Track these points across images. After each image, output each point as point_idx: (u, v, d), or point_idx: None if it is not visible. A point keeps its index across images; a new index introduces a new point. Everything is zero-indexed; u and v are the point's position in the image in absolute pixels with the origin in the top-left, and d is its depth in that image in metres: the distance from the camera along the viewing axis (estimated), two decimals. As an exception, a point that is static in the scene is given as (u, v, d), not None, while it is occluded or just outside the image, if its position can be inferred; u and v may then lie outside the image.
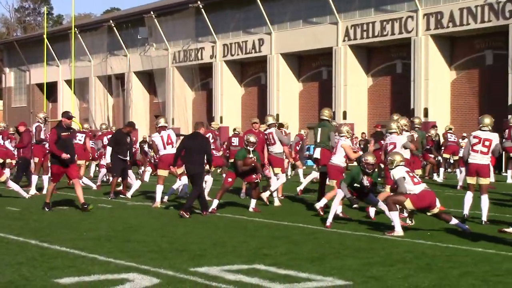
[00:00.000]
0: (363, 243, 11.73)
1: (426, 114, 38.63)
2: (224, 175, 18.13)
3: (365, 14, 41.94)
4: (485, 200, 14.39)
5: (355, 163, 16.48)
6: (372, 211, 15.06)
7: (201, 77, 52.97)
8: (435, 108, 38.59)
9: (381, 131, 31.87)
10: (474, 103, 38.52)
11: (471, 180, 14.72)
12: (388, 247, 11.35)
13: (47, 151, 20.91)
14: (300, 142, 28.60)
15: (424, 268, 9.56)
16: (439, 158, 27.59)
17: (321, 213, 15.49)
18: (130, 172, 21.64)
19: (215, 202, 16.66)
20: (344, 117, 41.99)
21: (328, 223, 13.89)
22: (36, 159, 21.50)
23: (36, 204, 18.09)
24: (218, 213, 16.30)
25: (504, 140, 26.99)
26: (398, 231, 12.68)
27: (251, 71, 51.51)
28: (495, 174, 28.32)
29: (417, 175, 14.91)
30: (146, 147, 27.87)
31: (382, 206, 14.18)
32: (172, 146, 18.16)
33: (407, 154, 15.30)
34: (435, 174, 27.98)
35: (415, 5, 38.93)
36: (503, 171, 30.50)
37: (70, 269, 9.48)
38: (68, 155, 16.49)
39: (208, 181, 19.72)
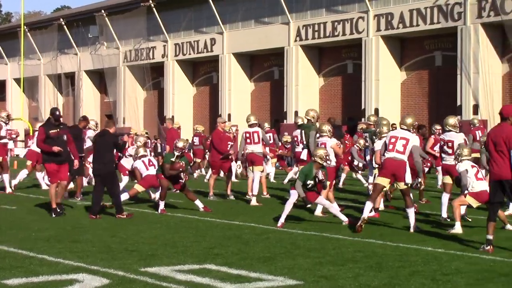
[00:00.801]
0: (314, 243, 11.77)
1: (376, 114, 38.91)
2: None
3: (317, 15, 42.10)
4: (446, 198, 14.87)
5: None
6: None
7: (152, 76, 52.68)
8: (385, 108, 38.88)
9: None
10: (424, 104, 38.92)
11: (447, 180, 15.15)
12: (339, 246, 11.41)
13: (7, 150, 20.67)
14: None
15: (375, 267, 9.62)
16: None
17: (323, 215, 15.40)
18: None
19: (162, 203, 16.55)
20: (296, 117, 42.13)
21: (279, 223, 13.90)
22: None
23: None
24: (169, 213, 16.21)
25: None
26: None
27: (203, 71, 51.41)
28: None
29: None
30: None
31: (333, 209, 14.33)
32: (155, 168, 18.05)
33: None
34: None
35: (366, 6, 39.20)
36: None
37: (17, 269, 9.36)
38: (59, 148, 15.58)
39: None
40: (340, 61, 43.00)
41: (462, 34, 35.47)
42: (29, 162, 22.43)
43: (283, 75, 44.17)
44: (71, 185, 20.25)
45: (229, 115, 46.46)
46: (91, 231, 13.24)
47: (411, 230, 13.07)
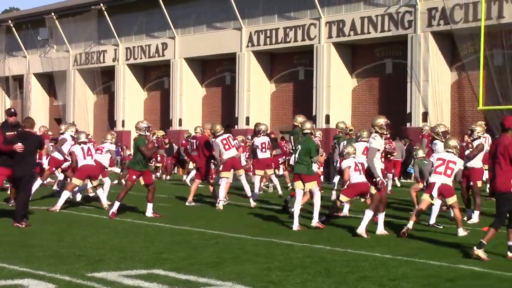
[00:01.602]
0: (262, 248, 11.76)
1: (327, 121, 39.12)
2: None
3: (269, 21, 42.19)
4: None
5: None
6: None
7: (103, 80, 52.23)
8: (336, 115, 39.06)
9: (276, 138, 32.22)
10: (375, 111, 39.18)
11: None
12: (287, 252, 11.41)
13: None
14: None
15: (323, 273, 9.64)
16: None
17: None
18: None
19: (116, 205, 16.41)
20: (247, 123, 42.10)
21: (296, 227, 14.02)
22: None
23: None
24: (118, 218, 16.08)
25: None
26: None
27: (154, 75, 51.14)
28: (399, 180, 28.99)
29: None
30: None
31: None
32: (92, 158, 18.06)
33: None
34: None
35: (317, 13, 39.39)
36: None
37: (-39, 275, 9.18)
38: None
39: (106, 183, 19.58)
40: (291, 68, 43.13)
41: (412, 42, 35.85)
42: None
43: (235, 80, 44.16)
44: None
45: (180, 120, 46.32)
46: (39, 235, 13.06)
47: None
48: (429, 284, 9.03)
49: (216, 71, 47.20)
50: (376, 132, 13.78)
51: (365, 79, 39.84)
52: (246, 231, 13.96)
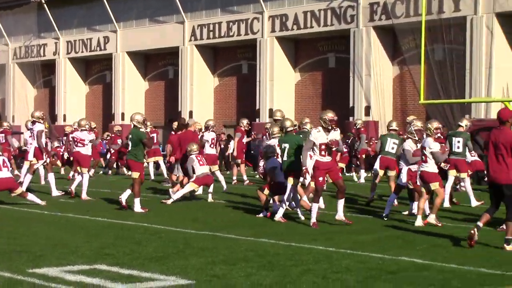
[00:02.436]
0: (207, 242, 11.73)
1: (271, 115, 39.21)
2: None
3: (212, 15, 42.09)
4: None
5: None
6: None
7: (43, 74, 51.52)
8: (280, 108, 39.17)
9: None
10: (318, 105, 39.41)
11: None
12: (232, 246, 11.40)
13: None
14: None
15: (267, 266, 9.66)
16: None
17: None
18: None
19: (137, 201, 16.42)
20: (191, 117, 41.97)
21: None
22: None
23: None
24: (59, 213, 15.88)
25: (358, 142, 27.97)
26: None
27: (96, 69, 50.65)
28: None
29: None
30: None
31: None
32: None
33: None
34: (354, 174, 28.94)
35: (260, 7, 39.42)
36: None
37: None
38: None
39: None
40: (235, 62, 43.12)
41: (355, 37, 36.13)
42: None
43: (178, 74, 43.98)
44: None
45: (123, 114, 45.95)
46: (-23, 231, 12.83)
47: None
48: (371, 276, 9.11)
49: (159, 65, 46.96)
50: (321, 125, 13.91)
51: (308, 73, 40.02)
52: (191, 225, 13.91)
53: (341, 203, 14.03)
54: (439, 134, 17.59)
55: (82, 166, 19.42)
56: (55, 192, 19.81)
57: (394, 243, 11.90)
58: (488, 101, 31.20)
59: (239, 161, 25.39)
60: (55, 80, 50.86)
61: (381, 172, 18.13)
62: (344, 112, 35.94)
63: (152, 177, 26.28)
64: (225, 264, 9.80)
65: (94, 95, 50.84)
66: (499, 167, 11.17)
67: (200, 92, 43.21)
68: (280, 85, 39.61)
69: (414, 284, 8.67)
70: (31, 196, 17.46)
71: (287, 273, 9.24)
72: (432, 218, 13.95)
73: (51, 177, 19.99)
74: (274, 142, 15.85)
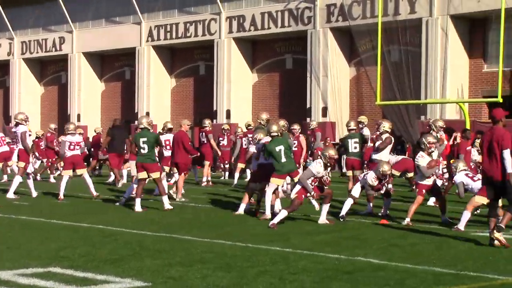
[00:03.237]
0: (163, 244, 11.65)
1: (228, 116, 39.19)
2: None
3: (169, 15, 41.95)
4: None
5: None
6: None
7: (-3, 74, 51.00)
8: (237, 110, 39.20)
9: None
10: (275, 106, 39.49)
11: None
12: (188, 247, 11.34)
13: None
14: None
15: (223, 268, 9.62)
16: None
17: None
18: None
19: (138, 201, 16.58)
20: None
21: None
22: None
23: None
24: (13, 215, 15.67)
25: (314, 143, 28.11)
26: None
27: (51, 70, 50.16)
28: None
29: None
30: None
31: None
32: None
33: None
34: None
35: (218, 8, 39.38)
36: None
37: None
38: None
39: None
40: (192, 62, 43.02)
41: (312, 38, 36.27)
42: None
43: (134, 75, 43.76)
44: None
45: (79, 115, 45.60)
46: None
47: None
48: (328, 276, 9.12)
49: (116, 66, 46.68)
50: (322, 160, 14.30)
51: (266, 74, 40.07)
52: (147, 227, 13.81)
53: (325, 208, 14.50)
54: (442, 132, 18.39)
55: (81, 168, 19.64)
56: (11, 194, 19.53)
57: (350, 243, 11.94)
58: (443, 102, 31.54)
59: (208, 162, 25.36)
60: (9, 81, 50.28)
61: (349, 173, 18.77)
62: (301, 113, 36.07)
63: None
64: (181, 266, 9.74)
65: (49, 96, 50.34)
66: (495, 165, 11.61)
67: (157, 93, 43.03)
68: (237, 86, 39.61)
69: (370, 284, 8.70)
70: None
71: (244, 274, 9.21)
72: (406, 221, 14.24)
73: (18, 178, 19.66)
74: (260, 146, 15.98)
